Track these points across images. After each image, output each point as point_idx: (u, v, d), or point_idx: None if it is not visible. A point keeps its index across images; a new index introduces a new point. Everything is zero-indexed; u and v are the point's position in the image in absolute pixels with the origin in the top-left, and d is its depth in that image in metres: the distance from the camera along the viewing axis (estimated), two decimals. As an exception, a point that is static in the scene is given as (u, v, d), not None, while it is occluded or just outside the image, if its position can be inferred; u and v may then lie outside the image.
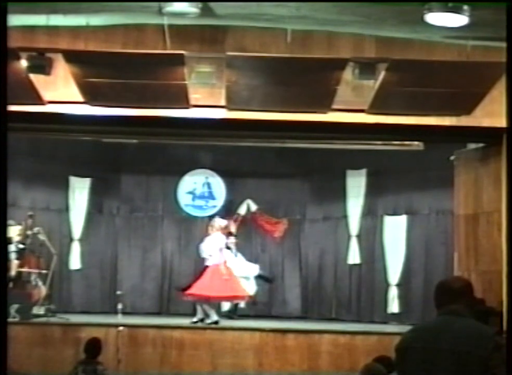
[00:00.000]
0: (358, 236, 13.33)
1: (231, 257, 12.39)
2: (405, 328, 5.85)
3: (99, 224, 13.78)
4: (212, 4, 7.83)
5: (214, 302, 11.63)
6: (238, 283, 11.74)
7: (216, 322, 11.13)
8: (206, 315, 11.31)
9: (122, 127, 9.69)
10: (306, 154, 13.22)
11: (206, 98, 9.04)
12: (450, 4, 7.07)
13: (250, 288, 12.47)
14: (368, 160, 12.80)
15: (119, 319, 11.24)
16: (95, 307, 13.08)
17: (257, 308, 13.92)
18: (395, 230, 12.87)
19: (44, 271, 11.74)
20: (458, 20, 7.28)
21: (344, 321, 12.58)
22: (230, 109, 9.02)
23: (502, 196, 8.83)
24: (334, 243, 13.65)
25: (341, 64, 8.27)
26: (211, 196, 14.14)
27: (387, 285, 12.78)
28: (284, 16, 8.11)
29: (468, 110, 8.96)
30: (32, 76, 8.50)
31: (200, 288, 11.46)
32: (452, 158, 10.59)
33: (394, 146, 10.90)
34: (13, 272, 11.23)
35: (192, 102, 8.86)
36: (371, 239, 13.24)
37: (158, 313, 13.51)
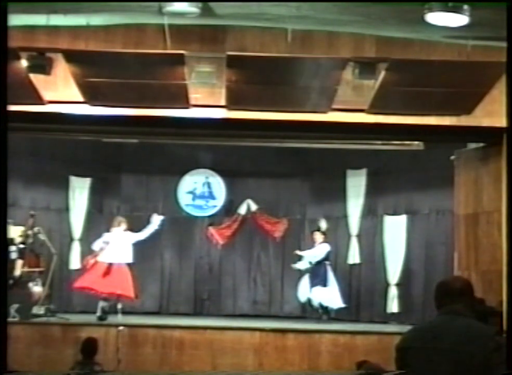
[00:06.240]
0: (358, 236, 13.32)
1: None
2: (405, 328, 5.86)
3: (99, 224, 13.76)
4: (212, 4, 7.83)
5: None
6: (125, 281, 11.52)
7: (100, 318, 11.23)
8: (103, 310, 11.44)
9: (122, 127, 9.69)
10: (306, 154, 13.22)
11: (206, 98, 9.04)
12: (450, 4, 7.08)
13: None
14: (368, 160, 12.80)
15: (119, 319, 11.23)
16: (95, 307, 13.04)
17: (257, 307, 13.93)
18: (395, 230, 12.85)
19: (44, 271, 11.74)
20: (458, 19, 7.28)
21: (344, 321, 12.57)
22: (230, 109, 9.02)
23: (502, 195, 8.83)
24: (334, 243, 13.62)
25: (341, 64, 8.28)
26: (211, 196, 14.14)
27: (387, 284, 12.77)
28: (284, 16, 8.11)
29: (468, 109, 8.96)
30: (32, 76, 8.51)
31: (86, 281, 11.56)
32: (452, 157, 10.59)
33: (394, 146, 10.90)
34: (18, 272, 11.24)
35: (192, 102, 8.86)
36: (371, 239, 13.24)
37: (158, 313, 13.50)
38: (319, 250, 12.32)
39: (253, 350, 10.21)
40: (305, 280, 12.32)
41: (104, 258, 11.53)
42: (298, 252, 12.58)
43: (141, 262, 12.42)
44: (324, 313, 12.11)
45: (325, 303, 12.14)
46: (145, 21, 8.71)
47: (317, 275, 12.17)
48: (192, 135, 10.14)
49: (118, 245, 11.61)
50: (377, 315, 12.82)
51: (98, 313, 11.36)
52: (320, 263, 12.23)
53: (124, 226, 11.86)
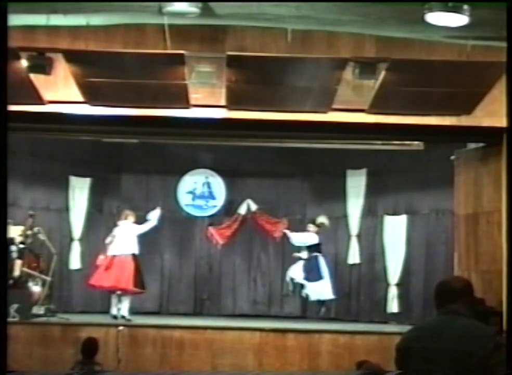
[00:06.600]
0: (358, 236, 13.33)
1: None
2: (404, 328, 5.86)
3: (99, 224, 13.77)
4: (212, 4, 7.83)
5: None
6: (126, 274, 11.50)
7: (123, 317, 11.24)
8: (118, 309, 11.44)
9: (122, 127, 9.69)
10: (306, 154, 13.22)
11: (206, 98, 9.04)
12: (450, 4, 7.08)
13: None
14: (368, 160, 12.80)
15: (119, 319, 11.23)
16: (95, 307, 13.07)
17: (257, 307, 13.93)
18: (395, 230, 12.86)
19: (44, 271, 11.74)
20: (458, 19, 7.28)
21: (344, 321, 12.57)
22: (230, 109, 9.02)
23: (502, 195, 8.83)
24: (334, 243, 13.64)
25: (341, 64, 8.28)
26: (211, 196, 14.14)
27: (387, 284, 12.78)
28: (284, 16, 8.11)
29: (468, 109, 8.97)
30: (32, 76, 8.51)
31: (94, 278, 11.65)
32: (452, 157, 10.59)
33: (394, 146, 10.91)
34: (17, 272, 11.25)
35: (192, 102, 8.86)
36: (371, 239, 13.24)
37: (158, 313, 13.50)
38: (306, 236, 12.55)
39: (253, 350, 10.21)
40: (298, 266, 12.50)
41: (111, 251, 11.61)
42: (287, 232, 12.76)
43: (141, 262, 12.40)
44: (320, 307, 12.29)
45: (319, 297, 12.33)
46: (145, 21, 8.71)
47: (310, 268, 12.38)
48: (192, 135, 10.13)
49: (123, 237, 11.67)
50: (377, 315, 12.82)
51: (114, 312, 11.39)
52: (312, 256, 12.41)
53: (131, 219, 11.92)
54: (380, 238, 13.06)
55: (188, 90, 8.59)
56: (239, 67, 8.24)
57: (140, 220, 12.14)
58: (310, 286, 12.32)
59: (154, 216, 12.09)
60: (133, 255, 11.62)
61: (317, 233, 12.62)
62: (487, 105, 8.77)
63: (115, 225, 12.04)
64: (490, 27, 7.59)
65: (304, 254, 12.55)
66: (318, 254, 12.46)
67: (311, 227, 12.70)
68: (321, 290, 12.29)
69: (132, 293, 11.67)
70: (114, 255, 11.55)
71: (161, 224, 12.38)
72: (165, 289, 13.92)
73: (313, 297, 12.44)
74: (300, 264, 12.52)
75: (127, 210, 12.22)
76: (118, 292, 11.58)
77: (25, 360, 9.23)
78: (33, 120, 9.01)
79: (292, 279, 12.63)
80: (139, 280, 11.64)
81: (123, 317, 11.31)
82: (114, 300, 11.58)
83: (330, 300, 12.55)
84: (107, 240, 11.78)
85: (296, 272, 12.52)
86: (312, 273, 12.32)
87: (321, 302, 12.37)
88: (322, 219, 12.85)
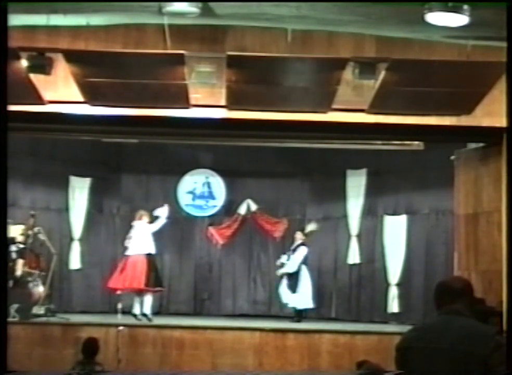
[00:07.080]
0: (358, 236, 13.33)
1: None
2: (405, 328, 5.85)
3: (99, 224, 13.78)
4: (212, 4, 7.83)
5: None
6: (138, 273, 11.58)
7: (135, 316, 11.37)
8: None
9: (122, 127, 9.69)
10: (306, 154, 13.22)
11: (206, 98, 9.04)
12: (450, 4, 7.07)
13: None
14: (368, 160, 12.80)
15: (119, 319, 11.24)
16: (95, 307, 13.08)
17: (257, 307, 13.93)
18: (395, 230, 12.86)
19: (44, 271, 11.74)
20: (458, 19, 7.28)
21: (344, 321, 12.57)
22: (230, 109, 9.02)
23: (502, 195, 8.84)
24: (334, 243, 13.64)
25: (341, 64, 8.27)
26: (211, 196, 14.14)
27: (387, 284, 12.77)
28: (284, 16, 8.11)
29: (468, 109, 8.96)
30: (32, 76, 8.50)
31: (110, 281, 11.76)
32: (452, 157, 10.59)
33: (394, 146, 10.90)
34: (19, 272, 11.26)
35: (192, 102, 8.86)
36: (371, 239, 13.24)
37: (158, 313, 13.49)
38: (297, 256, 12.51)
39: (253, 350, 10.22)
40: (284, 283, 12.60)
41: (127, 252, 11.72)
42: (280, 262, 12.79)
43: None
44: (296, 315, 12.34)
45: (295, 306, 12.40)
46: (145, 21, 8.71)
47: (291, 279, 12.44)
48: (192, 135, 10.13)
49: (139, 238, 11.76)
50: (377, 315, 12.83)
51: (136, 312, 11.44)
52: (296, 269, 12.49)
53: (146, 218, 12.01)
54: (380, 238, 13.06)
55: (188, 90, 8.59)
56: (239, 67, 8.23)
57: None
58: (291, 297, 12.41)
59: (163, 213, 12.15)
60: (149, 254, 11.73)
61: (304, 242, 12.62)
62: (487, 105, 8.77)
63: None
64: (490, 27, 7.59)
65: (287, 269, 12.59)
66: (302, 266, 12.49)
67: (298, 234, 12.72)
68: (298, 300, 12.35)
69: (148, 292, 11.70)
70: (128, 256, 11.67)
71: (168, 216, 12.41)
72: (165, 289, 13.92)
73: (290, 305, 12.52)
74: (284, 280, 12.63)
75: (141, 210, 12.29)
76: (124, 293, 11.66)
77: (25, 360, 9.23)
78: (33, 120, 9.01)
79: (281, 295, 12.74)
80: (152, 279, 11.72)
81: (145, 315, 11.41)
82: (136, 299, 11.61)
83: (313, 308, 12.63)
84: (126, 242, 11.85)
85: (283, 289, 12.61)
86: (291, 284, 12.39)
87: (298, 312, 12.41)
88: (311, 227, 12.86)
